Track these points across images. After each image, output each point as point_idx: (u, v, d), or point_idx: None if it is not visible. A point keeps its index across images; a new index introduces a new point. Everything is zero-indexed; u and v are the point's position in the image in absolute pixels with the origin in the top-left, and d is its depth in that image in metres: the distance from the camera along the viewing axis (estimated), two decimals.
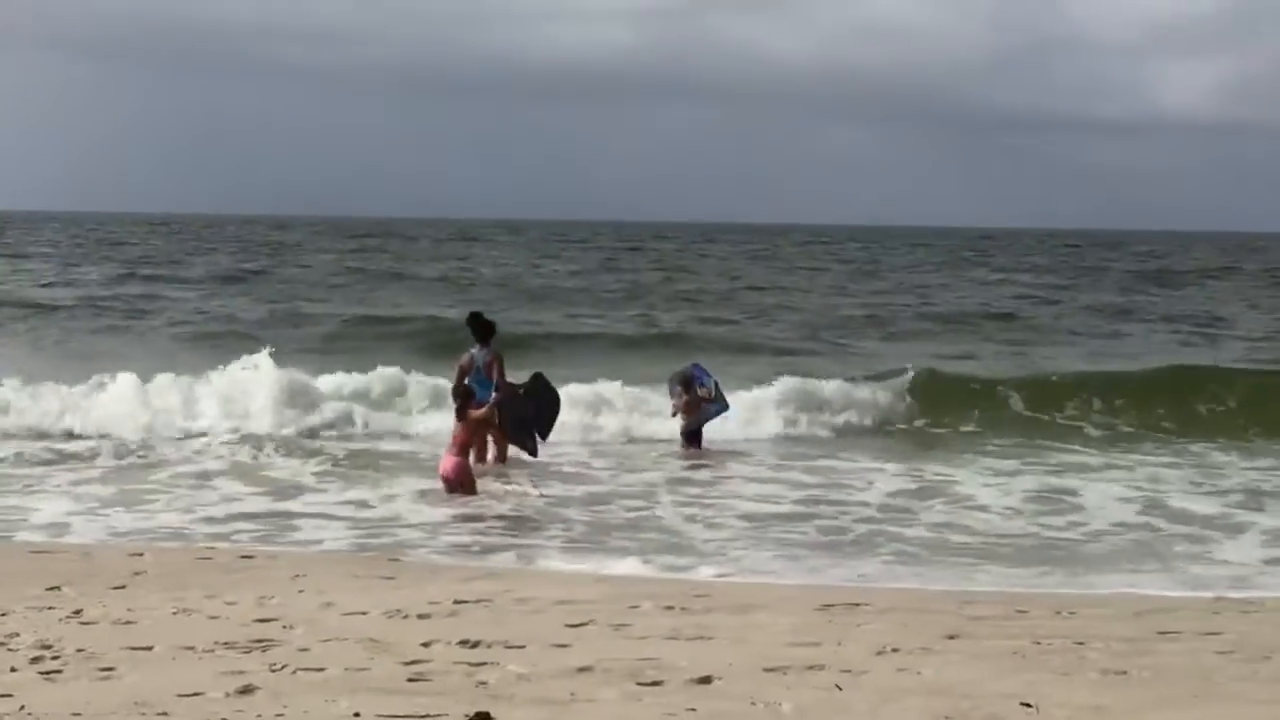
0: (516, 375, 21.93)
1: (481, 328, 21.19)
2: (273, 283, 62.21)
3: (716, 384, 24.25)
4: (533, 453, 21.07)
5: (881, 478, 21.56)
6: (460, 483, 19.20)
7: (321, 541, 16.45)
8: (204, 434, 24.36)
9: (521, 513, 18.48)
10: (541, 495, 19.59)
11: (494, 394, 20.56)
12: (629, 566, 15.06)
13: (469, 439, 19.85)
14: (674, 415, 24.28)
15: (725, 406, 24.44)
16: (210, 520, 17.59)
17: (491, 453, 21.23)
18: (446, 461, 19.40)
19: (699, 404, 23.88)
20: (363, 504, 18.76)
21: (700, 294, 60.79)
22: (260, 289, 58.24)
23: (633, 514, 18.43)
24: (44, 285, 57.09)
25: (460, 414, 19.66)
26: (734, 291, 62.90)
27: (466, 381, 20.51)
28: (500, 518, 18.04)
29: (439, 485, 19.39)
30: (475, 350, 21.11)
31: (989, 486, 20.87)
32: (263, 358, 26.46)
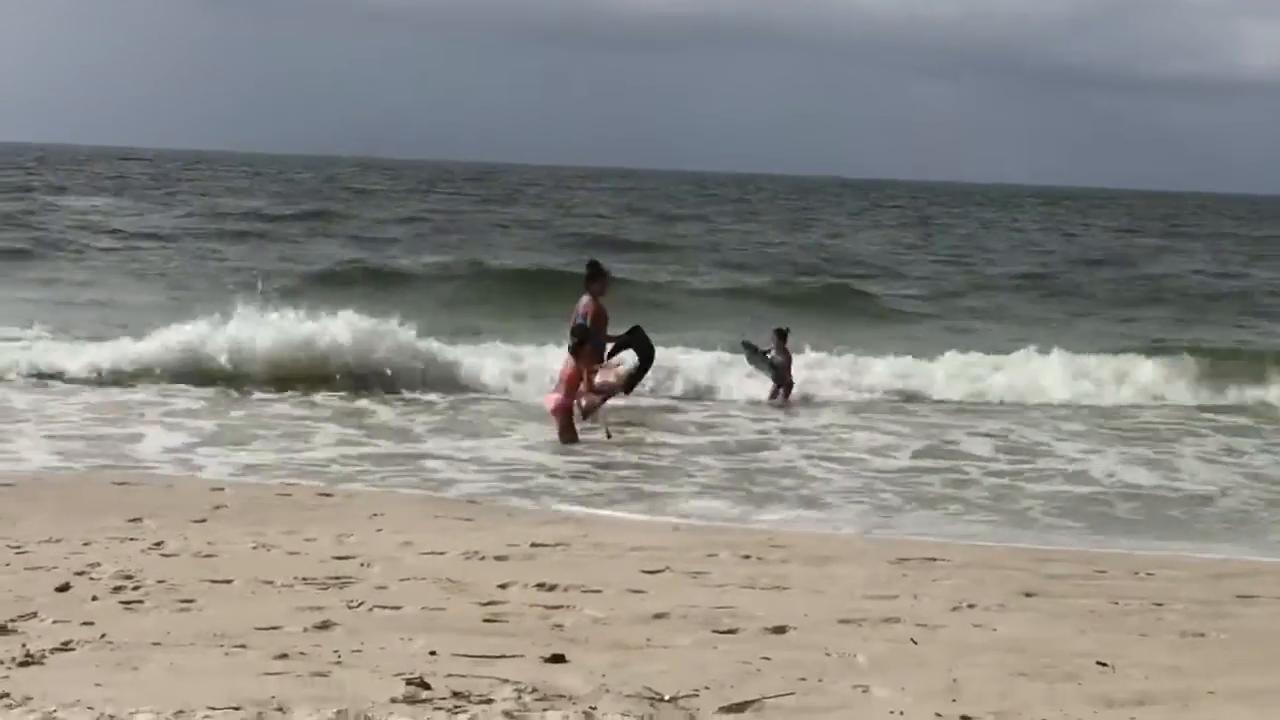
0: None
1: (593, 275, 21.34)
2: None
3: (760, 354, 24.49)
4: (626, 391, 21.19)
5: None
6: (564, 422, 19.77)
7: (432, 483, 16.53)
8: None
9: (624, 460, 18.54)
10: (610, 438, 19.92)
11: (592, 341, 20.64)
12: (774, 514, 15.19)
13: (576, 379, 19.97)
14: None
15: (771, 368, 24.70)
16: (316, 463, 17.75)
17: (585, 399, 21.23)
18: (550, 398, 20.03)
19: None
20: (470, 450, 18.96)
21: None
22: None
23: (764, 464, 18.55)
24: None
25: (574, 351, 20.00)
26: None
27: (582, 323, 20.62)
28: (604, 466, 18.12)
29: (551, 424, 20.01)
30: (586, 297, 21.22)
31: None
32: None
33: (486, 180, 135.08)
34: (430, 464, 17.90)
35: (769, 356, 24.64)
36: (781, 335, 24.94)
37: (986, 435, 22.02)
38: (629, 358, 20.94)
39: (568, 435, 19.70)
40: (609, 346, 20.99)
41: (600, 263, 21.68)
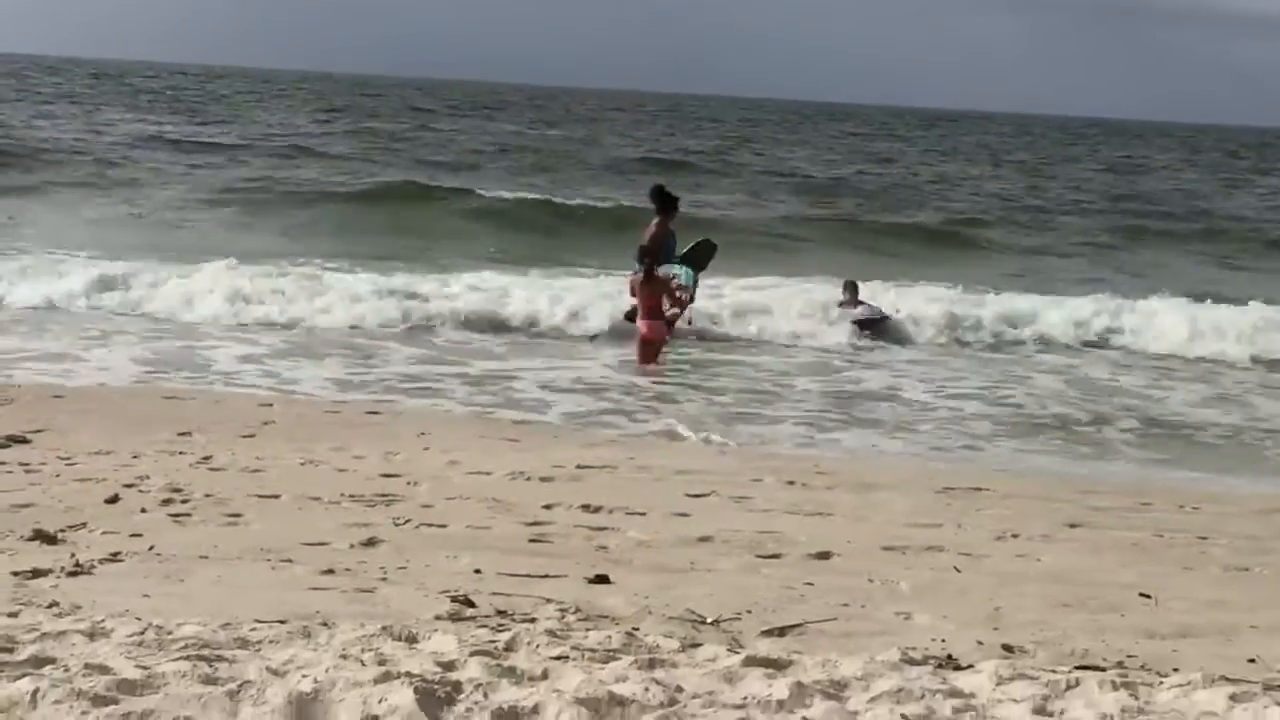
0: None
1: (659, 199, 21.48)
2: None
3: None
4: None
5: None
6: (654, 345, 20.02)
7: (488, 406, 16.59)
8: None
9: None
10: (691, 322, 21.03)
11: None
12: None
13: (652, 301, 20.12)
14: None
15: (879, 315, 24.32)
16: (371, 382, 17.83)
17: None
18: (642, 326, 20.12)
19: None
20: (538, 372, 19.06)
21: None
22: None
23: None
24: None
25: (646, 275, 20.13)
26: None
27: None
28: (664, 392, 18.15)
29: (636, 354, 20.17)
30: (655, 220, 21.36)
31: None
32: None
33: (543, 103, 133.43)
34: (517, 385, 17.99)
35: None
36: (854, 288, 24.70)
37: None
38: (681, 273, 20.97)
39: (650, 361, 19.89)
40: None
41: (665, 188, 21.83)
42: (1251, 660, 7.45)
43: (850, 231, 39.81)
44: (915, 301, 25.96)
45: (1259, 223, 48.43)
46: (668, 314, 20.31)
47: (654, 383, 18.55)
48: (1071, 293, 28.90)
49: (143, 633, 6.50)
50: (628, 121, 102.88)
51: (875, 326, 23.80)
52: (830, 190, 52.22)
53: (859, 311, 24.08)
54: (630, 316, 20.89)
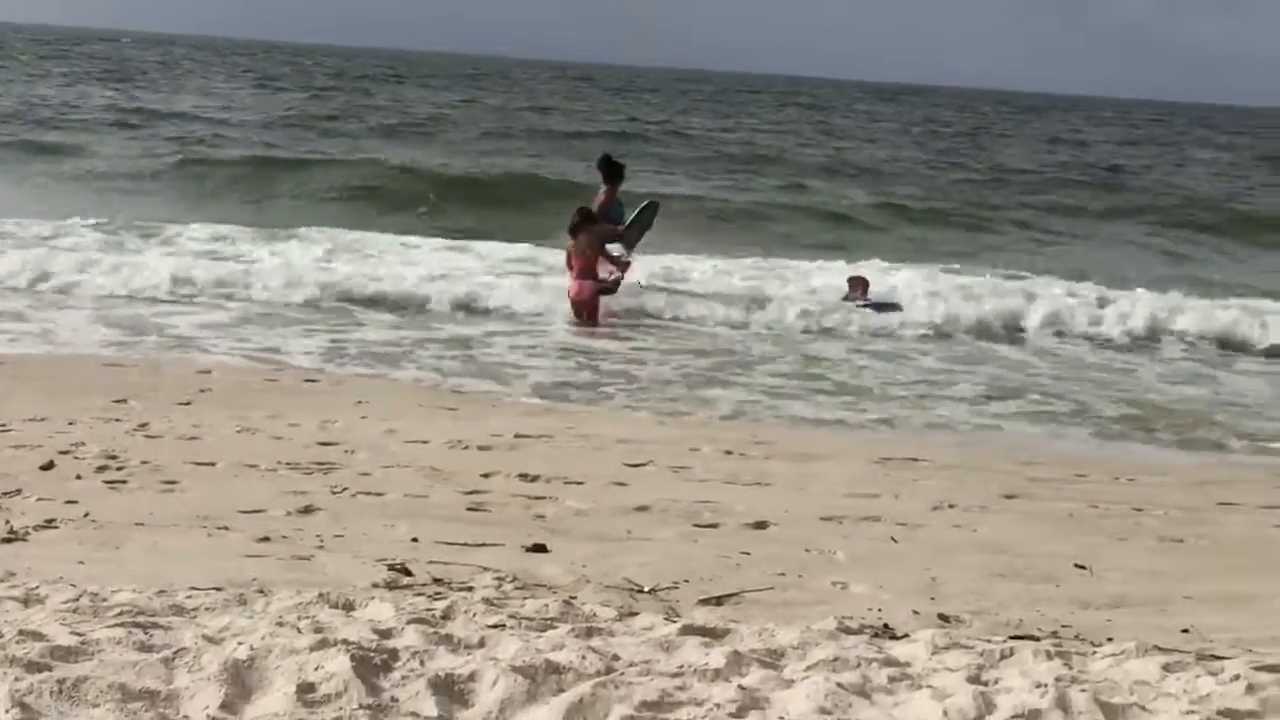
0: None
1: (605, 168, 21.61)
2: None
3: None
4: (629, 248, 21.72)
5: None
6: (588, 301, 20.30)
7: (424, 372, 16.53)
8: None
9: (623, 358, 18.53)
10: (642, 285, 21.14)
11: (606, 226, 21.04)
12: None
13: (582, 262, 20.42)
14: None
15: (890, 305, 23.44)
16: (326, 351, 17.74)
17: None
18: (573, 285, 20.40)
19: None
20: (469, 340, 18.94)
21: None
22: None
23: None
24: None
25: (573, 231, 20.47)
26: None
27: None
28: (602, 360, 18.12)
29: (569, 311, 20.46)
30: (603, 189, 21.49)
31: None
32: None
33: (491, 77, 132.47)
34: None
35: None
36: (863, 284, 23.51)
37: None
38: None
39: (589, 319, 20.23)
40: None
41: (611, 156, 22.12)
42: (1185, 630, 7.50)
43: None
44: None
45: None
46: (612, 276, 20.57)
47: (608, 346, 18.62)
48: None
49: (78, 599, 6.47)
50: (566, 93, 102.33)
51: (885, 309, 22.83)
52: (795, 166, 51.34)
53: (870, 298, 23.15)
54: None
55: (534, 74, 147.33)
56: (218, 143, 44.94)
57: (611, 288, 20.71)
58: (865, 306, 22.64)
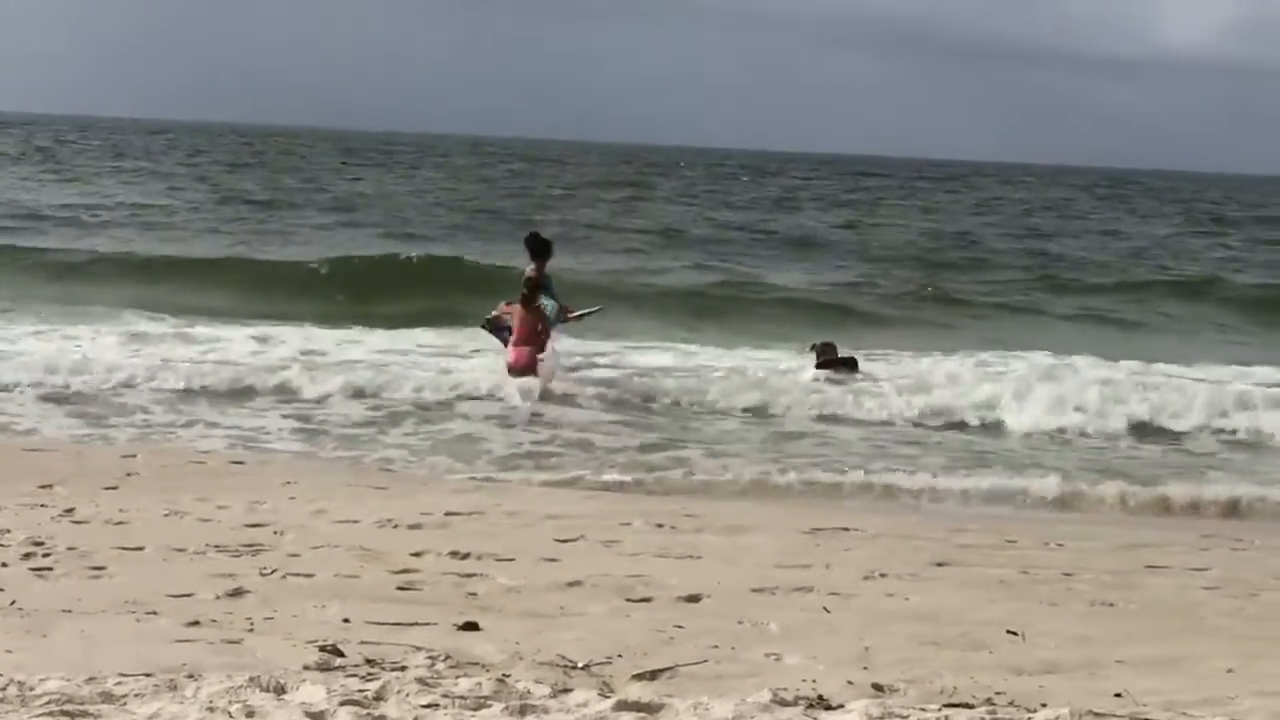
0: None
1: (533, 246, 21.84)
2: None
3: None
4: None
5: None
6: (527, 367, 20.42)
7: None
8: None
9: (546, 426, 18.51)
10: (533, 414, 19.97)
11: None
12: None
13: (524, 330, 20.73)
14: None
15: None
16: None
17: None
18: (512, 352, 20.63)
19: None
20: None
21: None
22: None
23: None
24: None
25: (525, 301, 20.77)
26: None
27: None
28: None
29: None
30: (531, 267, 21.71)
31: None
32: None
33: (431, 152, 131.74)
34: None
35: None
36: (829, 349, 23.27)
37: None
38: (547, 305, 21.36)
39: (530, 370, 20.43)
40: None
41: (539, 234, 22.41)
42: (1118, 695, 7.53)
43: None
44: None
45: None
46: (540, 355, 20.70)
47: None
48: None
49: (4, 688, 6.40)
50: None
51: (844, 366, 22.87)
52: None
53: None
54: (488, 324, 21.66)
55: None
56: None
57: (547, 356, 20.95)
58: (823, 367, 22.73)
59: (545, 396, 20.03)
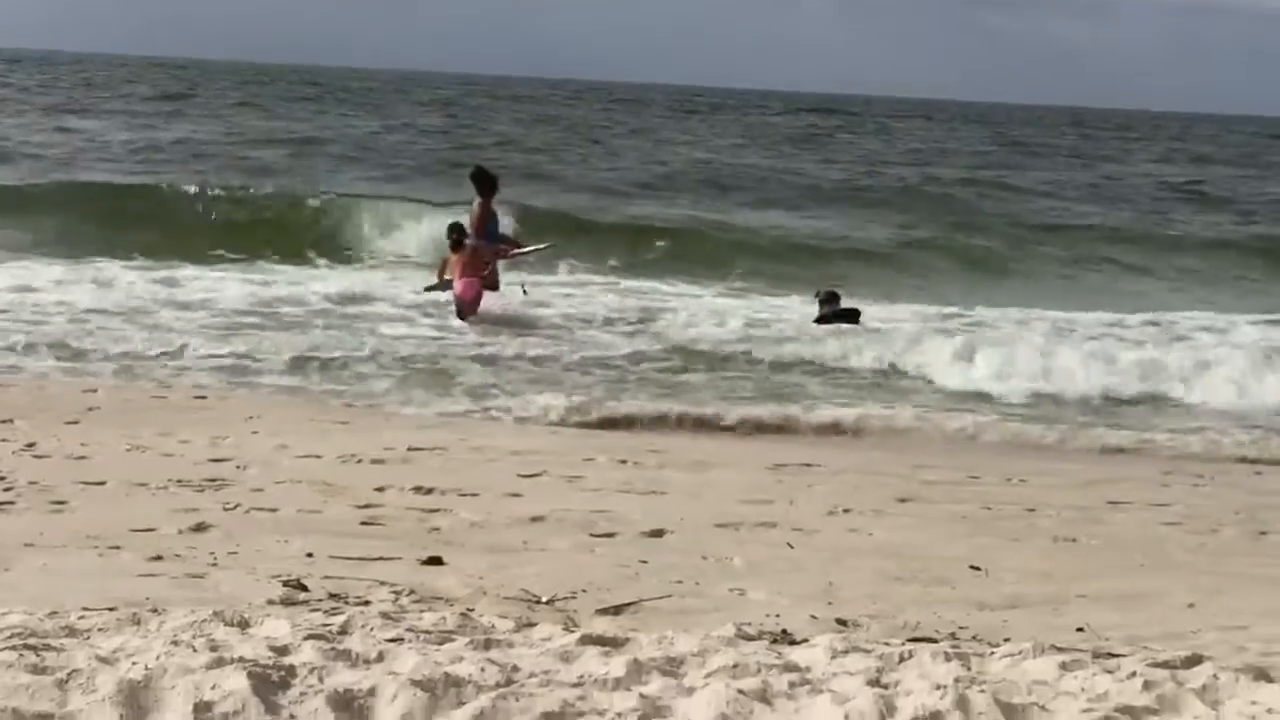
0: None
1: (479, 181, 21.90)
2: None
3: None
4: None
5: None
6: (472, 299, 20.73)
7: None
8: None
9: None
10: (526, 294, 21.42)
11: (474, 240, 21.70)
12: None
13: (464, 266, 21.11)
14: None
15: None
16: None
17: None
18: (459, 285, 20.96)
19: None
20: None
21: None
22: None
23: None
24: None
25: (454, 247, 21.42)
26: None
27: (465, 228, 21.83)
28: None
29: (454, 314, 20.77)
30: (477, 201, 21.82)
31: None
32: None
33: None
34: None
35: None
36: (833, 297, 22.82)
37: None
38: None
39: (471, 313, 20.63)
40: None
41: (485, 169, 22.45)
42: (1080, 629, 7.56)
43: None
44: None
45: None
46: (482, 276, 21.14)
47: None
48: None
49: None
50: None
51: (846, 318, 22.28)
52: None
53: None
54: (431, 289, 22.05)
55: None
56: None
57: (494, 284, 21.47)
58: (824, 321, 22.23)
59: (496, 327, 20.10)
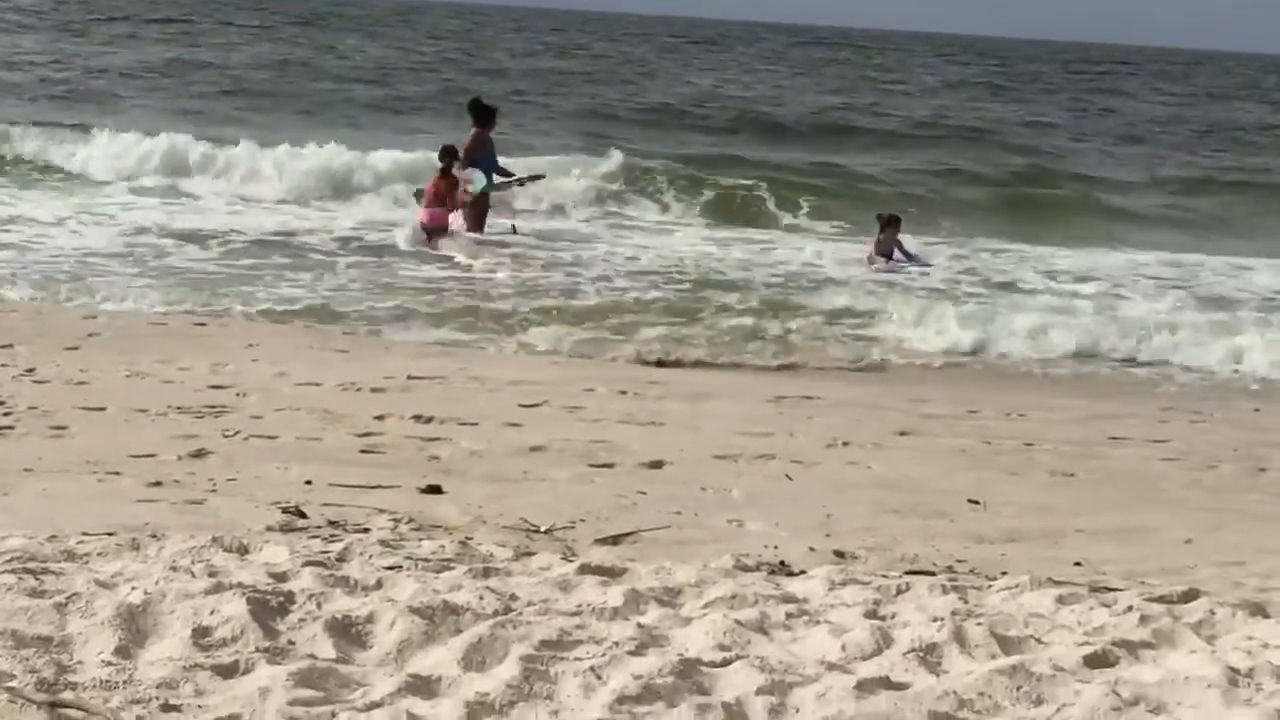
0: None
1: (474, 111, 22.04)
2: None
3: None
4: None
5: None
6: (436, 228, 20.90)
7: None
8: None
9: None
10: (515, 231, 21.60)
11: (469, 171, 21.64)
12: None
13: (433, 195, 21.17)
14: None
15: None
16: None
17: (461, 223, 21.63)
18: (424, 213, 21.14)
19: None
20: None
21: None
22: None
23: None
24: None
25: (443, 171, 21.23)
26: None
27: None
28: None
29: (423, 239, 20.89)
30: (474, 130, 21.82)
31: None
32: None
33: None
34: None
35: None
36: (893, 222, 21.75)
37: None
38: (477, 178, 21.43)
39: (434, 242, 20.79)
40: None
41: (481, 99, 22.52)
42: (1078, 563, 7.59)
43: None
44: None
45: None
46: (459, 210, 21.24)
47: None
48: None
49: None
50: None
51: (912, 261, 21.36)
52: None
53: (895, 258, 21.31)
54: (419, 193, 22.06)
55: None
56: None
57: (480, 222, 21.58)
58: (888, 268, 20.93)
59: (499, 259, 20.12)
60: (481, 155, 21.63)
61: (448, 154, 21.41)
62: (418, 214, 21.46)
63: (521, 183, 22.77)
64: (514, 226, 21.88)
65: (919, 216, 25.95)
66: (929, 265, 21.48)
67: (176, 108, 37.78)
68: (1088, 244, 25.43)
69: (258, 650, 5.25)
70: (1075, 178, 34.49)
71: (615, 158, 28.07)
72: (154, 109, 37.11)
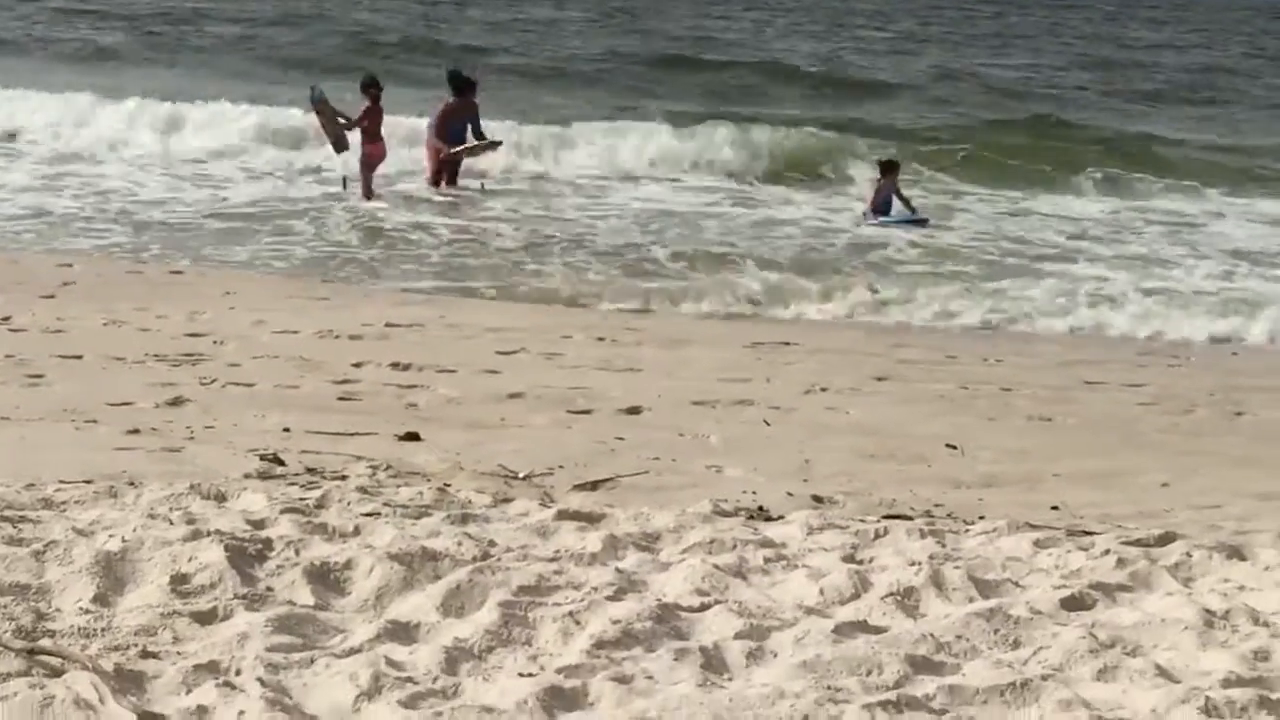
0: None
1: (452, 82, 21.99)
2: None
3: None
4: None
5: None
6: (378, 160, 20.48)
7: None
8: None
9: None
10: (484, 190, 21.21)
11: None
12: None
13: (372, 126, 20.59)
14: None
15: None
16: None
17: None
18: (372, 145, 20.45)
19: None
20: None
21: None
22: None
23: None
24: None
25: (374, 101, 20.52)
26: None
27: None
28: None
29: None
30: (452, 99, 21.70)
31: None
32: None
33: None
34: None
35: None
36: (892, 168, 20.62)
37: None
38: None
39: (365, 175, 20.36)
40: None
41: (459, 72, 22.31)
42: (1055, 507, 7.61)
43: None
44: None
45: None
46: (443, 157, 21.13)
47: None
48: None
49: None
50: None
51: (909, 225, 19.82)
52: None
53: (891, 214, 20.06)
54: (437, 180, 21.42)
55: None
56: None
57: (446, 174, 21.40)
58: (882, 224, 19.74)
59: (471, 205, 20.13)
60: (458, 124, 21.61)
61: (376, 85, 20.81)
62: (366, 146, 20.53)
63: (486, 149, 22.43)
64: (482, 185, 21.74)
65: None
66: (925, 220, 20.15)
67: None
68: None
69: (236, 597, 5.25)
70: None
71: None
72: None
